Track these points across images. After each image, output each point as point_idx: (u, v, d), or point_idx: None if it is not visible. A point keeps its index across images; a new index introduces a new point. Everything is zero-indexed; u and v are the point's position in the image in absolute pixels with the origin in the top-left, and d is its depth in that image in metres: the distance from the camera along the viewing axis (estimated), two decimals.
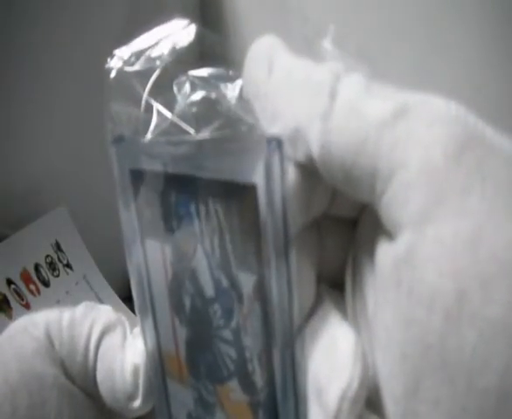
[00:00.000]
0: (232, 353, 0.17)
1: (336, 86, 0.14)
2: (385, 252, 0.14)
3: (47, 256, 0.51)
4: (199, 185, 0.16)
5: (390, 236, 0.13)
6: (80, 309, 0.20)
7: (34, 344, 0.19)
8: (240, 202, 0.15)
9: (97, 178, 0.55)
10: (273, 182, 0.14)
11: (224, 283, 0.16)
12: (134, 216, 0.18)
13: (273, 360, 0.15)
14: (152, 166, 0.17)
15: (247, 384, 0.16)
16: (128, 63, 0.16)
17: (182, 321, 0.18)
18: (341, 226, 0.17)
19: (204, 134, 0.16)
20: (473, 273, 0.11)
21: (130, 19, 0.53)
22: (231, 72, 0.16)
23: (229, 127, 0.15)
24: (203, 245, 0.16)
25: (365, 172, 0.13)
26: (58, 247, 0.52)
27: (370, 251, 0.15)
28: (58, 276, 0.51)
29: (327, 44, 0.15)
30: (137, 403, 0.19)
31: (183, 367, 0.19)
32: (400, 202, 0.13)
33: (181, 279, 0.17)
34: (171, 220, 0.17)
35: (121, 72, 0.16)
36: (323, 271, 0.17)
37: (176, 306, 0.18)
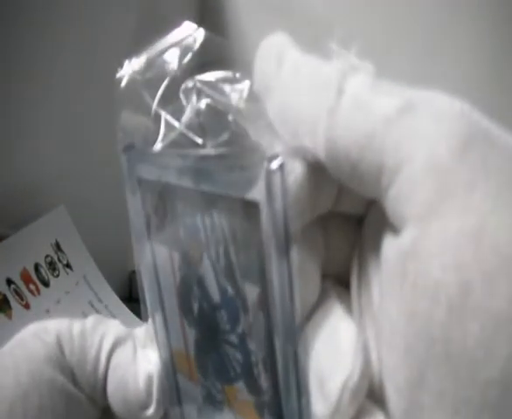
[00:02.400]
0: (239, 356, 0.17)
1: (343, 83, 0.14)
2: (391, 246, 0.14)
3: (47, 256, 0.51)
4: (204, 198, 0.16)
5: (395, 230, 0.14)
6: (90, 320, 0.21)
7: (45, 349, 0.19)
8: (243, 218, 0.15)
9: (97, 178, 0.55)
10: (274, 199, 0.14)
11: (230, 291, 0.16)
12: (142, 222, 0.18)
13: (277, 364, 0.16)
14: (159, 176, 0.17)
15: (253, 386, 0.17)
16: (138, 72, 0.16)
17: (190, 323, 0.19)
18: (347, 223, 0.18)
19: (209, 150, 0.16)
20: (476, 267, 0.12)
21: (129, 21, 0.53)
22: (237, 75, 0.16)
23: (234, 142, 0.16)
24: (208, 254, 0.17)
25: (371, 167, 0.13)
26: (58, 247, 0.52)
27: (376, 247, 0.15)
28: (58, 276, 0.51)
29: (332, 44, 0.15)
30: (150, 411, 0.19)
31: (193, 365, 0.19)
32: (405, 196, 0.13)
33: (189, 284, 0.18)
34: (178, 228, 0.17)
35: (131, 80, 0.16)
36: (329, 267, 0.18)
37: (185, 309, 0.18)
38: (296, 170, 0.15)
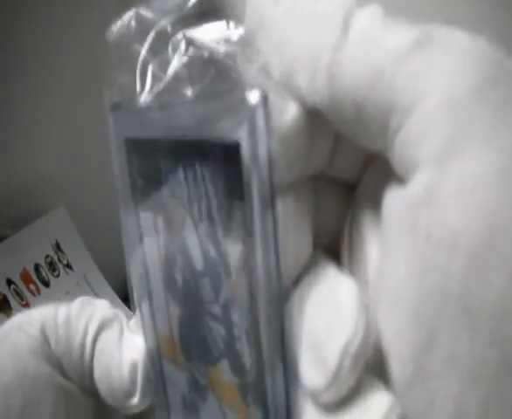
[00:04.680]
0: (222, 330, 0.16)
1: (350, 18, 0.13)
2: (397, 197, 0.13)
3: (47, 256, 0.51)
4: (186, 149, 0.15)
5: (402, 181, 0.12)
6: (76, 305, 0.20)
7: (29, 342, 0.19)
8: (225, 164, 0.14)
9: (97, 178, 0.55)
10: (257, 139, 0.13)
11: (213, 253, 0.15)
12: (128, 188, 0.18)
13: (260, 335, 0.14)
14: (144, 133, 0.16)
15: (237, 366, 0.16)
16: (128, 28, 0.16)
17: (175, 299, 0.18)
18: (338, 190, 0.17)
19: (190, 97, 0.15)
20: (500, 211, 0.10)
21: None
22: (229, 24, 0.15)
23: (218, 82, 0.15)
24: (191, 214, 0.16)
25: (379, 107, 0.12)
26: (58, 247, 0.52)
27: (373, 208, 0.14)
28: (58, 276, 0.51)
29: None
30: (135, 400, 0.19)
31: (177, 348, 0.18)
32: (419, 137, 0.11)
33: (172, 255, 0.17)
34: (162, 189, 0.16)
35: (120, 37, 0.16)
36: (318, 237, 0.16)
37: (169, 283, 0.18)
38: (290, 110, 0.14)
